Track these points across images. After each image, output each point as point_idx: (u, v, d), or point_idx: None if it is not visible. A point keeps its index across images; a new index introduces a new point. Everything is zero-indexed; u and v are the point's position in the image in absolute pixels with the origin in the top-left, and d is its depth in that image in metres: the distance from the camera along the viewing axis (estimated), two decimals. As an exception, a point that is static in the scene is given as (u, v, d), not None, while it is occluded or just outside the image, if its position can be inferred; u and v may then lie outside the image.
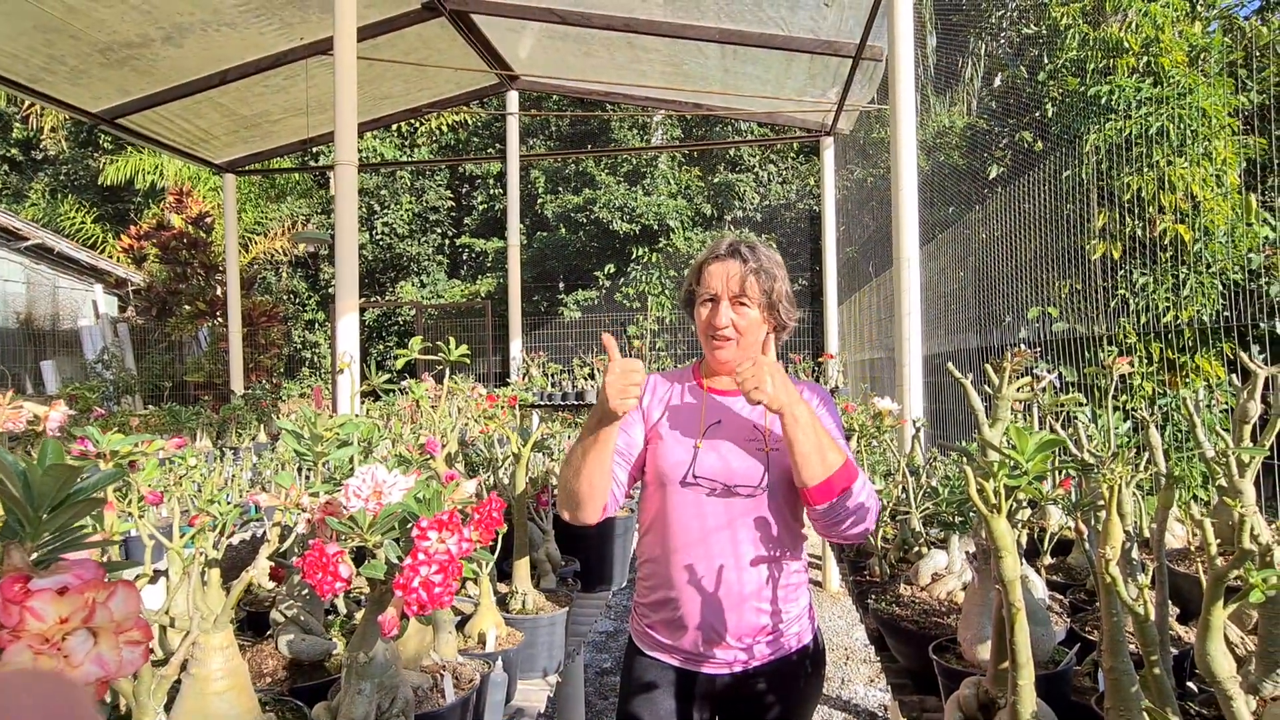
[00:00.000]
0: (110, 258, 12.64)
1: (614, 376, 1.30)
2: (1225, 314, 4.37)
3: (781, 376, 1.33)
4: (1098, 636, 1.49)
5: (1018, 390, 1.40)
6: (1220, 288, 4.49)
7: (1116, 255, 4.86)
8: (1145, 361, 4.60)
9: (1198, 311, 4.50)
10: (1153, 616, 0.99)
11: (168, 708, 1.17)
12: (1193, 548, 1.84)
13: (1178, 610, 1.63)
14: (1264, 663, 1.15)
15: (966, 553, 2.00)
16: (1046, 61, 6.45)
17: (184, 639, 1.10)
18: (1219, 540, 1.40)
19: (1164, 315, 4.58)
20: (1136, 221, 4.77)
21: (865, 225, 9.34)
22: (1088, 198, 5.04)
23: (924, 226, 4.25)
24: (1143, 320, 4.65)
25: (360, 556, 1.09)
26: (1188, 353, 4.50)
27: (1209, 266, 4.55)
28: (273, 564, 1.58)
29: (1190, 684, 1.32)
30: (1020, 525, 1.80)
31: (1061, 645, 1.50)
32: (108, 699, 1.28)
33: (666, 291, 12.70)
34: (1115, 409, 1.92)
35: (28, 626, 0.50)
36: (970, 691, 1.31)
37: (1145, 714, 1.02)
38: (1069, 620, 1.62)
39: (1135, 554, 1.46)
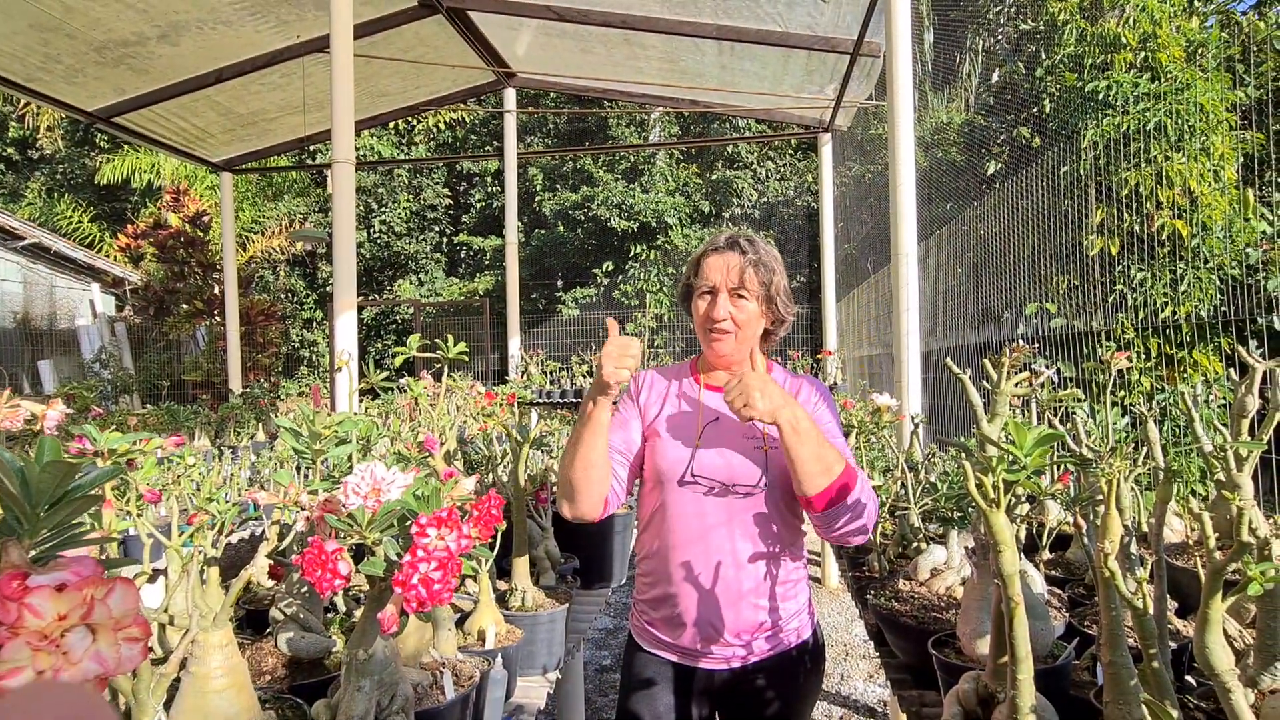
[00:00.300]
0: (107, 257, 12.62)
1: (611, 346, 1.32)
2: (1223, 309, 4.38)
3: (771, 388, 1.29)
4: (1096, 631, 1.49)
5: (1016, 385, 1.40)
6: (1218, 283, 4.50)
7: (1114, 251, 4.86)
8: (1143, 357, 4.61)
9: (1195, 307, 4.51)
10: (1151, 610, 0.99)
11: (167, 706, 1.17)
12: (1191, 542, 1.84)
13: (1176, 604, 1.63)
14: (1262, 656, 1.15)
15: (965, 548, 2.00)
16: (1044, 57, 6.45)
17: (183, 637, 1.10)
18: (1217, 534, 1.40)
19: (1162, 311, 4.59)
20: (1134, 217, 4.78)
21: (863, 222, 9.34)
22: (1085, 193, 5.04)
23: (922, 223, 4.24)
24: (1140, 316, 4.65)
25: (359, 554, 1.09)
26: (1185, 348, 4.50)
27: (1206, 262, 4.55)
28: (272, 562, 1.58)
29: (1189, 678, 1.32)
30: (1019, 520, 1.81)
31: (1060, 640, 1.51)
32: (106, 697, 1.28)
33: (665, 289, 12.70)
34: (1113, 404, 1.92)
35: (26, 623, 0.50)
36: (969, 686, 1.31)
37: (1144, 707, 1.02)
38: (1067, 615, 1.63)
39: (1134, 548, 1.47)
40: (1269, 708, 1.00)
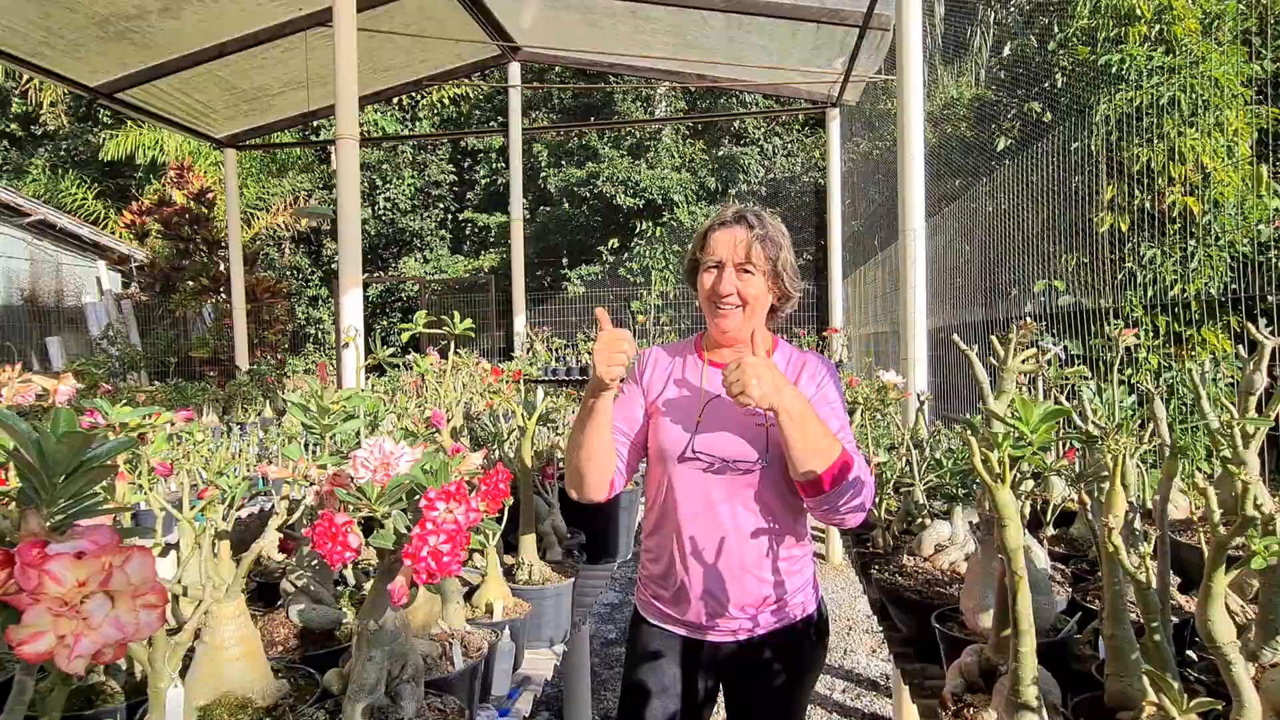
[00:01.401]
0: (113, 234, 12.62)
1: (601, 345, 1.32)
2: (1233, 287, 4.34)
3: (769, 374, 1.27)
4: (1099, 605, 1.50)
5: (1023, 362, 1.40)
6: (1228, 260, 4.46)
7: (1124, 228, 4.82)
8: (1151, 335, 4.58)
9: (1205, 284, 4.47)
10: (1154, 584, 1.00)
11: (182, 674, 1.19)
12: (1195, 519, 1.85)
13: (1179, 580, 1.64)
14: (1264, 630, 1.16)
15: (970, 523, 2.01)
16: (1057, 30, 6.35)
17: (197, 607, 1.12)
18: (1222, 510, 1.41)
19: (1171, 288, 4.55)
20: (1145, 194, 4.73)
21: (871, 199, 9.26)
22: (1096, 169, 4.99)
23: (930, 199, 4.20)
24: (1150, 293, 4.62)
25: (369, 528, 1.11)
26: (1194, 326, 4.47)
27: (1217, 239, 4.51)
28: (282, 535, 1.60)
29: (1190, 652, 1.33)
30: (1024, 497, 1.81)
31: (1063, 614, 1.52)
32: (123, 664, 1.30)
33: (670, 266, 12.66)
34: (1120, 382, 1.92)
35: (46, 590, 0.51)
36: (972, 659, 1.33)
37: (1145, 679, 1.03)
38: (1070, 590, 1.64)
39: (1138, 524, 1.47)
40: (1269, 680, 1.01)
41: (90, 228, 12.27)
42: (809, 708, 3.06)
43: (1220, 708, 0.79)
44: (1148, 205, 4.72)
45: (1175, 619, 1.35)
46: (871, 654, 3.88)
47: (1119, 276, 4.77)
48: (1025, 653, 1.06)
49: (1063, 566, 1.77)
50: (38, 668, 0.68)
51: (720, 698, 1.61)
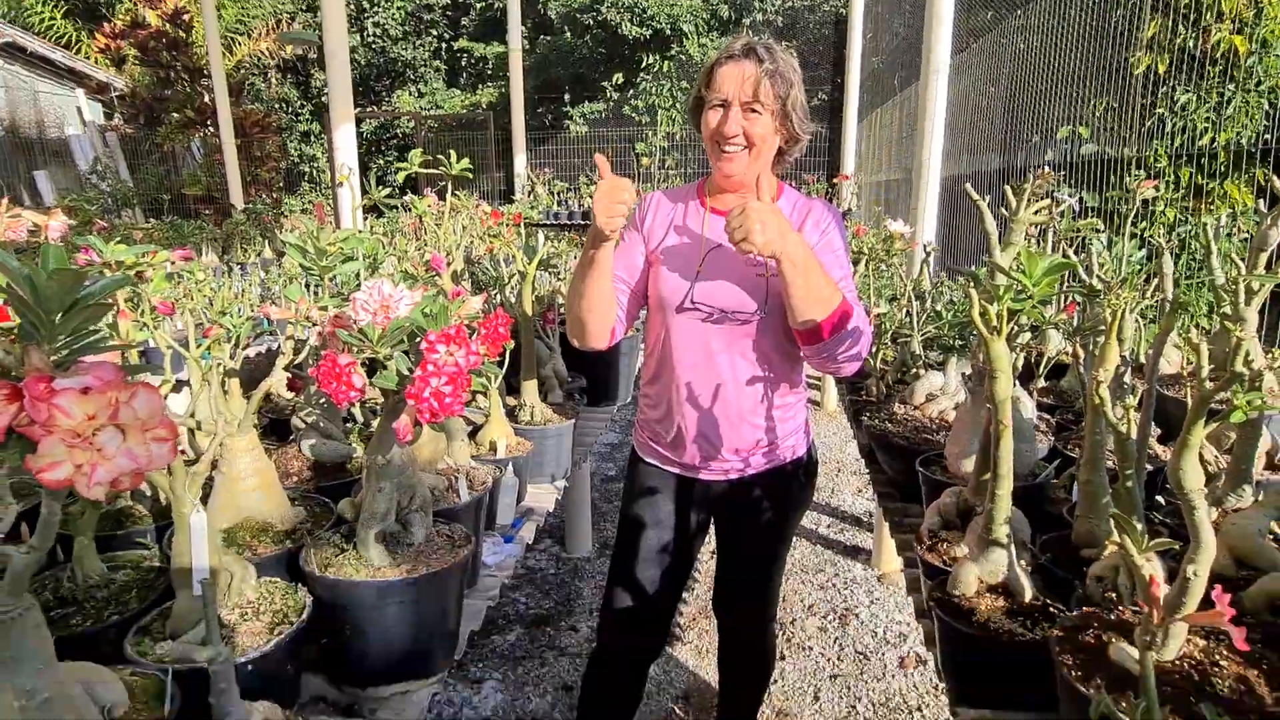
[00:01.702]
0: (88, 59, 11.91)
1: (600, 195, 1.28)
2: (1266, 137, 4.15)
3: (775, 219, 1.24)
4: (1079, 454, 1.56)
5: (1035, 214, 1.36)
6: (1266, 107, 4.22)
7: (1161, 69, 4.52)
8: (1172, 187, 4.44)
9: (1238, 134, 4.27)
10: (1134, 435, 1.03)
11: (204, 503, 1.26)
12: (1186, 373, 1.88)
13: (1160, 431, 1.70)
14: (1233, 479, 1.22)
15: (962, 374, 2.05)
16: None
17: (212, 440, 1.16)
18: (1212, 366, 1.42)
19: (1201, 137, 4.35)
20: (1190, 31, 4.39)
21: (895, 32, 8.62)
22: (1141, 2, 4.60)
23: (958, 34, 3.90)
24: (1177, 142, 4.42)
25: (373, 368, 1.13)
26: (1218, 179, 4.32)
27: (1259, 84, 4.25)
28: (290, 375, 1.64)
29: (1159, 498, 1.40)
30: (1019, 349, 1.83)
31: (1043, 461, 1.58)
32: (146, 491, 1.38)
33: (678, 105, 12.05)
34: (1133, 236, 1.88)
35: (58, 422, 0.53)
36: (951, 499, 1.40)
37: (1110, 520, 1.09)
38: (1053, 438, 1.70)
39: (1128, 379, 1.50)
40: (1230, 524, 1.07)
41: (64, 52, 11.56)
42: (794, 540, 3.28)
43: (1178, 548, 0.84)
44: (1190, 44, 4.40)
45: (1151, 468, 1.41)
46: (857, 494, 4.11)
47: (1148, 123, 4.54)
48: (1001, 495, 1.12)
49: (1048, 416, 1.83)
50: (66, 493, 0.71)
51: (711, 530, 1.72)
